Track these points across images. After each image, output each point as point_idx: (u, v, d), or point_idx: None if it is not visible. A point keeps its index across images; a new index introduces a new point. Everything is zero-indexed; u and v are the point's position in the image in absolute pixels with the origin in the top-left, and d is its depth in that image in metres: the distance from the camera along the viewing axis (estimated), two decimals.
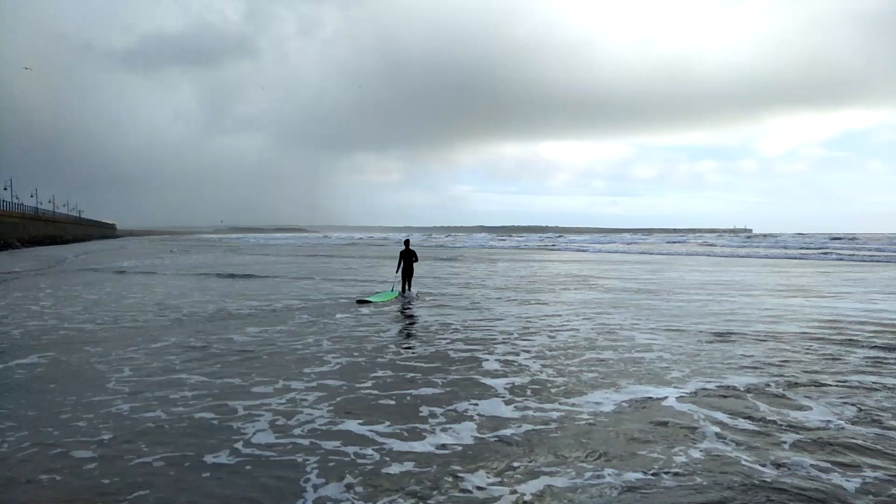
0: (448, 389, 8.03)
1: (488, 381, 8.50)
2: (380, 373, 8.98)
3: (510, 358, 10.01)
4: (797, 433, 6.47)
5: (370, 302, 17.54)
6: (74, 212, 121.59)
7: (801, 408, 7.36)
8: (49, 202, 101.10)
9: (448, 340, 11.71)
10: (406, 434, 6.23)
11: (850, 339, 11.91)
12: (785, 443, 6.21)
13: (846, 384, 8.49)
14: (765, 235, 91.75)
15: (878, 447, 6.07)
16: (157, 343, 11.08)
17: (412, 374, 8.87)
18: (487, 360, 9.90)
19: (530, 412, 6.99)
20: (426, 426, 6.42)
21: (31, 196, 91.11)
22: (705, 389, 8.14)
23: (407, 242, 19.86)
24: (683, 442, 6.16)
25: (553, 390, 7.98)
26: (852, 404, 7.51)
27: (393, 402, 7.36)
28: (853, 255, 48.96)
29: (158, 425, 6.39)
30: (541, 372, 9.03)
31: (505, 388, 8.04)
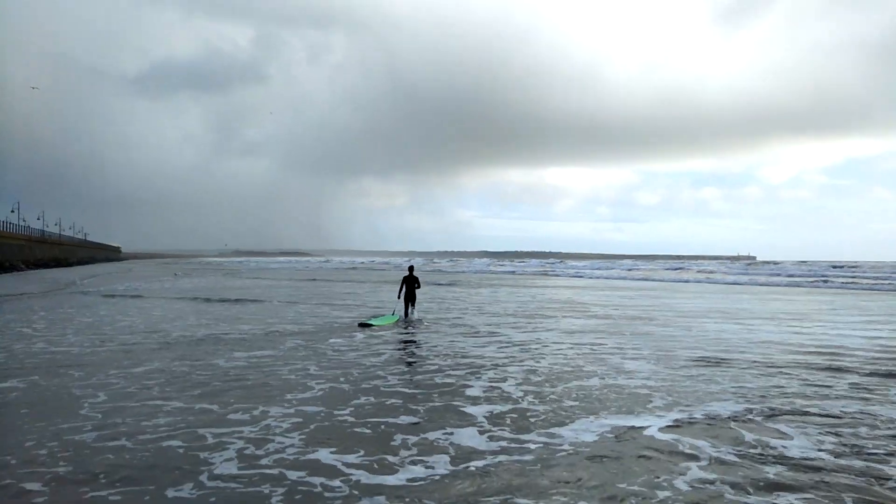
0: (427, 417, 7.81)
1: (469, 408, 8.28)
2: (362, 399, 8.77)
3: (495, 385, 9.79)
4: (779, 464, 6.24)
5: (371, 325, 17.41)
6: (80, 234, 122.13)
7: (783, 437, 7.13)
8: (55, 224, 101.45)
9: (436, 366, 11.49)
10: (376, 466, 6.00)
11: (839, 367, 11.67)
12: (768, 474, 5.98)
13: (829, 413, 8.26)
14: (767, 263, 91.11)
15: (859, 481, 5.83)
16: (140, 367, 10.88)
17: (394, 401, 8.65)
18: (472, 386, 9.68)
19: (506, 443, 6.75)
20: (397, 458, 6.19)
21: (38, 219, 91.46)
22: (690, 418, 7.91)
23: (411, 269, 19.94)
24: (666, 473, 5.93)
25: (532, 419, 7.75)
26: (834, 434, 7.28)
27: (368, 431, 7.14)
28: (854, 282, 48.61)
29: (122, 455, 6.16)
30: (522, 399, 8.80)
31: (484, 417, 7.81)
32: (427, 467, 5.96)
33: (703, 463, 6.26)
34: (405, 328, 17.39)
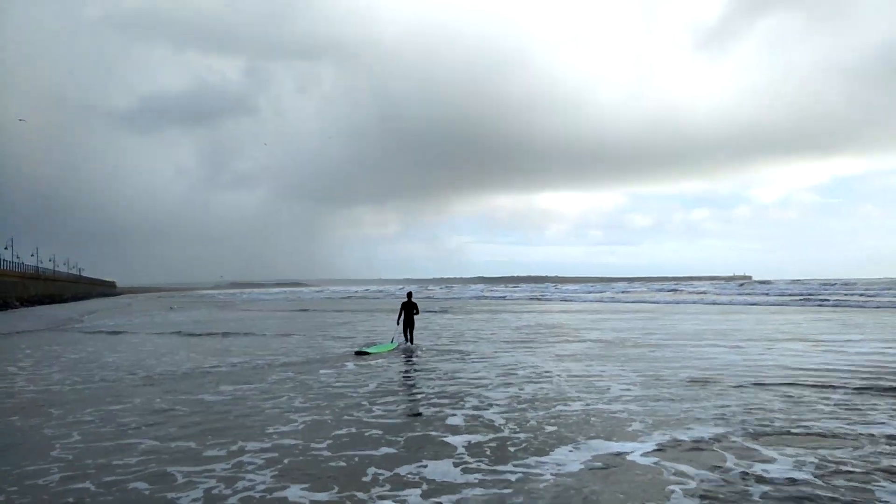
0: (404, 449, 7.61)
1: (449, 438, 8.08)
2: (342, 431, 8.56)
3: (477, 412, 9.59)
4: (762, 486, 6.07)
5: (368, 353, 17.36)
6: (75, 270, 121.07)
7: (766, 460, 6.95)
8: (49, 261, 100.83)
9: (423, 395, 11.30)
10: (347, 503, 5.79)
11: (827, 385, 11.52)
12: (753, 496, 5.82)
13: (812, 432, 8.10)
14: (759, 282, 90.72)
15: (845, 498, 5.66)
16: (119, 405, 10.64)
17: (374, 432, 8.45)
18: (454, 415, 9.48)
19: (482, 475, 6.54)
20: (367, 495, 5.96)
21: (32, 255, 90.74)
22: (674, 441, 7.74)
23: (409, 295, 19.94)
24: (650, 500, 5.75)
25: (512, 448, 7.55)
26: (816, 454, 7.11)
27: (343, 465, 6.93)
28: (846, 300, 48.38)
29: (83, 499, 5.93)
30: (504, 427, 8.61)
31: (463, 447, 7.61)
32: (396, 502, 5.76)
33: (688, 487, 6.08)
34: (407, 355, 17.32)
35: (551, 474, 6.52)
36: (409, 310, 19.16)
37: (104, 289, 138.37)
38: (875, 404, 9.87)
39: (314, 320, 36.70)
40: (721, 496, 5.88)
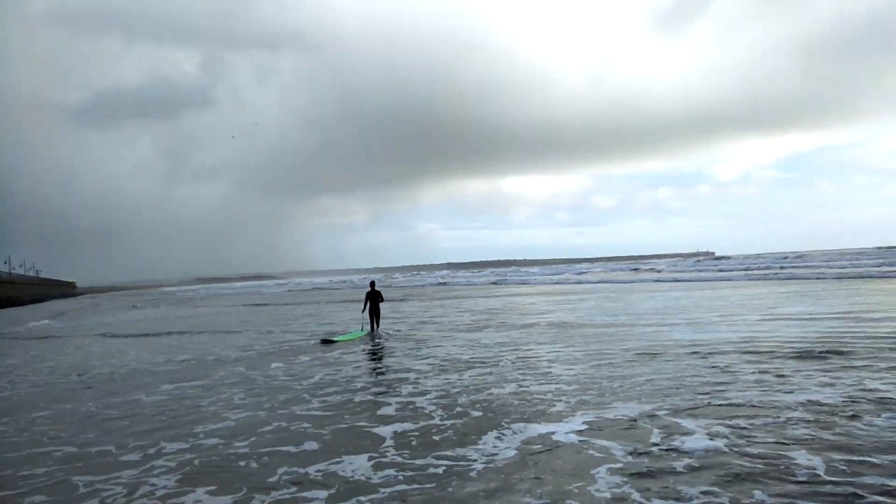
0: (327, 442, 7.35)
1: (377, 429, 7.86)
2: (271, 427, 8.27)
3: (411, 400, 9.40)
4: (685, 459, 6.00)
5: (335, 341, 17.53)
6: (32, 271, 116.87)
7: (687, 432, 6.90)
8: (4, 263, 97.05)
9: (364, 384, 11.08)
10: None
11: (761, 353, 11.59)
12: (675, 469, 5.77)
13: (734, 402, 8.10)
14: (719, 258, 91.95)
15: (760, 469, 5.59)
16: (46, 411, 10.16)
17: (302, 426, 8.18)
18: (389, 403, 9.27)
19: (397, 470, 6.31)
20: (269, 496, 5.66)
21: None
22: (603, 420, 7.65)
23: (373, 284, 20.40)
24: (574, 480, 5.68)
25: (437, 437, 7.36)
26: (733, 424, 7.09)
27: (255, 465, 6.63)
28: (803, 274, 49.08)
29: None
30: (433, 414, 8.42)
31: (390, 438, 7.39)
32: None
33: (613, 466, 5.98)
34: (372, 342, 17.41)
35: (476, 464, 6.33)
36: (373, 299, 19.51)
37: (63, 289, 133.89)
38: (802, 370, 9.93)
39: (275, 313, 36.11)
40: (644, 471, 5.83)
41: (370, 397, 9.83)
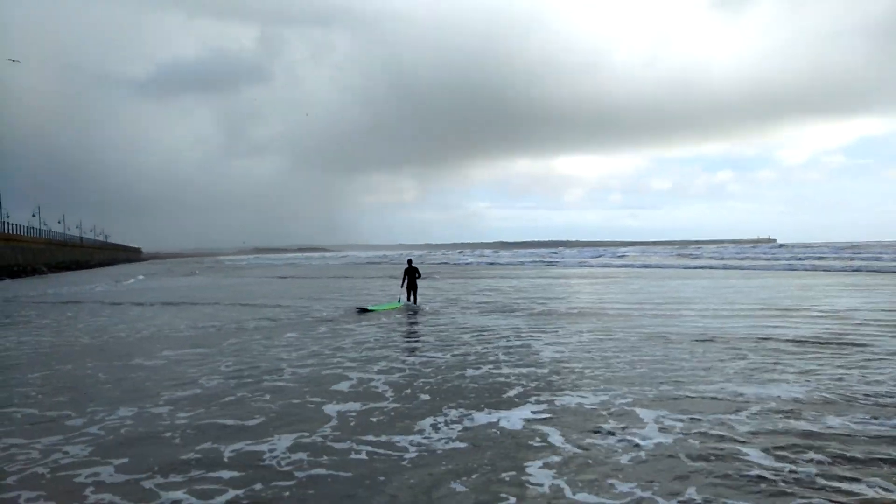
0: (271, 419, 7.11)
1: (327, 406, 7.61)
2: (228, 399, 8.12)
3: (375, 377, 9.11)
4: (633, 452, 5.63)
5: (370, 310, 18.76)
6: (101, 236, 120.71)
7: (642, 425, 6.41)
8: (76, 227, 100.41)
9: (342, 358, 10.88)
10: (134, 491, 5.19)
11: (764, 339, 10.77)
12: (620, 462, 5.43)
13: (705, 396, 7.49)
14: (784, 245, 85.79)
15: (698, 464, 5.04)
16: (40, 372, 10.28)
17: (263, 398, 8.03)
18: (350, 379, 9.01)
19: (310, 455, 6.01)
20: (168, 479, 5.41)
21: (59, 222, 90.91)
22: (553, 408, 7.17)
23: (410, 261, 21.36)
24: (507, 472, 5.33)
25: (378, 420, 7.03)
26: (692, 418, 6.55)
27: (178, 441, 6.40)
28: (869, 265, 45.03)
29: None
30: (385, 394, 8.11)
31: (335, 418, 7.09)
32: (193, 493, 5.13)
33: (550, 460, 5.61)
34: (409, 313, 18.38)
35: (407, 452, 5.92)
36: (411, 275, 20.59)
37: (130, 254, 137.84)
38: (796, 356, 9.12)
39: (318, 285, 36.47)
40: (582, 462, 5.49)
41: (338, 371, 9.60)
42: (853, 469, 5.22)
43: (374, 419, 7.02)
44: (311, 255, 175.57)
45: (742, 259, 59.00)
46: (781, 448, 5.74)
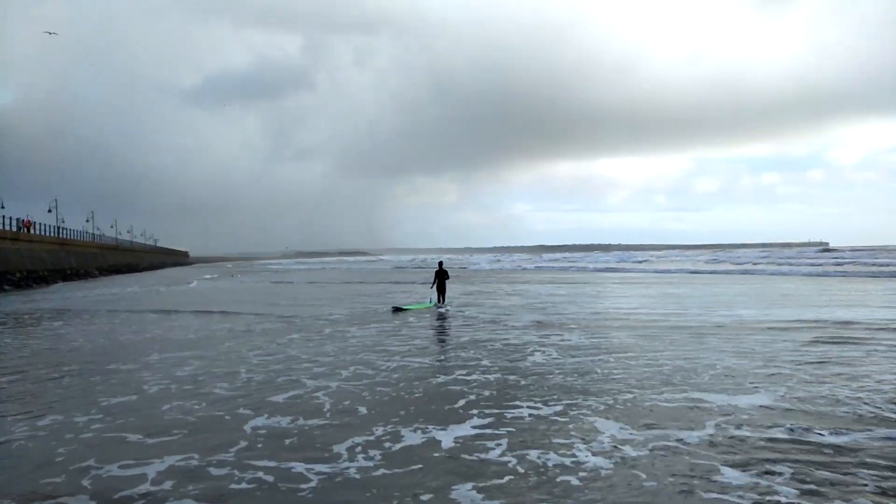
0: (185, 434, 6.36)
1: (252, 421, 6.81)
2: (169, 405, 7.46)
3: (323, 385, 8.42)
4: (575, 474, 4.75)
5: (405, 309, 19.22)
6: (151, 241, 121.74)
7: (596, 431, 5.58)
8: (127, 232, 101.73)
9: (319, 363, 10.14)
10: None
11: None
12: (551, 484, 4.77)
13: (673, 402, 6.55)
14: (836, 250, 77.95)
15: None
16: (12, 376, 9.82)
17: (192, 408, 7.35)
18: (302, 389, 8.23)
19: (189, 483, 5.20)
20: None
21: (112, 227, 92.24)
22: (499, 421, 6.24)
23: (440, 263, 22.22)
24: (426, 494, 4.67)
25: (315, 434, 6.26)
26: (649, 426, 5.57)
27: (65, 457, 5.65)
28: None
29: None
30: (322, 409, 7.27)
31: (249, 433, 6.29)
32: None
33: (479, 485, 4.81)
34: (440, 315, 18.26)
35: (311, 479, 5.04)
36: (441, 277, 21.08)
37: (178, 258, 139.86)
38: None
39: (349, 291, 36.05)
40: (509, 484, 4.81)
41: (296, 378, 8.86)
42: None
43: (288, 441, 6.13)
44: (351, 258, 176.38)
45: (779, 264, 54.13)
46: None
